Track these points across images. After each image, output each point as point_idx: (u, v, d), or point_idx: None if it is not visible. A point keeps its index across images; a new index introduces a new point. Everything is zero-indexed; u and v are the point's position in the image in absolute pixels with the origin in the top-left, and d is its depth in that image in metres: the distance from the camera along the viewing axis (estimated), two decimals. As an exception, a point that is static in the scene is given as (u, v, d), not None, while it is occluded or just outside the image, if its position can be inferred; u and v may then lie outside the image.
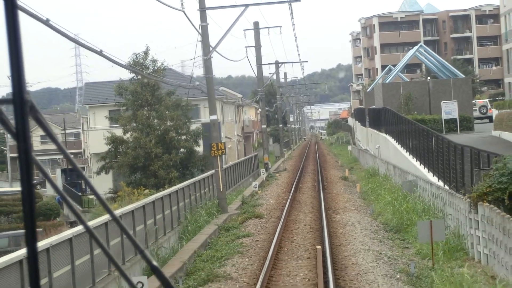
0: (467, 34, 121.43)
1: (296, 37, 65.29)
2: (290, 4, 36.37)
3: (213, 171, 33.39)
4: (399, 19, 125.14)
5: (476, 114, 68.68)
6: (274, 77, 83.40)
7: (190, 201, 30.08)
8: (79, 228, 16.65)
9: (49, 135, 1.86)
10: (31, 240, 1.77)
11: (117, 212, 20.28)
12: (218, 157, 31.69)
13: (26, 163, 1.73)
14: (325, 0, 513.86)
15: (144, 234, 22.00)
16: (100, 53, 20.22)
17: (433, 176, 30.74)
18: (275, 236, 24.31)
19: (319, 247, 21.24)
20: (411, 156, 38.63)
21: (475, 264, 18.88)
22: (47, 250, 14.53)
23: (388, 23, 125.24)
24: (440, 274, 17.07)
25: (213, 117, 31.39)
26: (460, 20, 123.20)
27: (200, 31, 31.07)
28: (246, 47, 58.02)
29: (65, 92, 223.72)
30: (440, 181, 28.89)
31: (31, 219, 1.76)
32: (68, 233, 16.16)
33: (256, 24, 58.93)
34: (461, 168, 24.72)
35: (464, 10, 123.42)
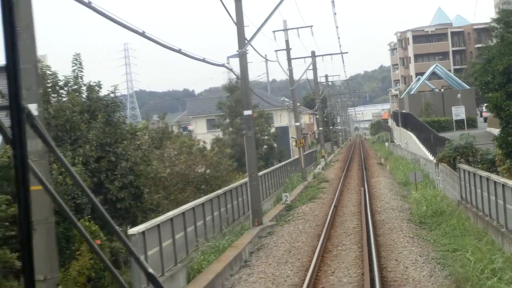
0: (489, 44, 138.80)
1: (346, 74, 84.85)
2: (342, 56, 57.61)
3: (296, 156, 54.44)
4: (429, 32, 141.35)
5: (488, 114, 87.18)
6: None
7: (286, 173, 51.05)
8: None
9: (45, 142, 1.81)
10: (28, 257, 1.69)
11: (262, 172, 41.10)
12: (300, 148, 52.70)
13: (22, 170, 1.68)
14: (366, 7, 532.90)
15: (272, 185, 42.98)
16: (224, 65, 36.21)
17: (431, 155, 51.17)
18: (338, 187, 45.44)
19: (362, 188, 42.28)
20: (422, 145, 58.87)
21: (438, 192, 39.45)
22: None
23: (420, 36, 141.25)
24: (417, 193, 37.60)
25: (297, 123, 52.47)
26: (483, 32, 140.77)
27: (287, 72, 52.19)
28: (306, 69, 78.93)
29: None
30: (434, 158, 49.38)
31: (27, 226, 1.69)
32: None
33: (313, 53, 79.74)
34: (439, 148, 45.24)
35: (486, 24, 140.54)
